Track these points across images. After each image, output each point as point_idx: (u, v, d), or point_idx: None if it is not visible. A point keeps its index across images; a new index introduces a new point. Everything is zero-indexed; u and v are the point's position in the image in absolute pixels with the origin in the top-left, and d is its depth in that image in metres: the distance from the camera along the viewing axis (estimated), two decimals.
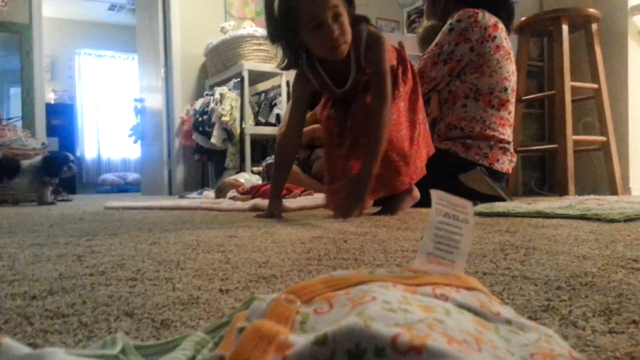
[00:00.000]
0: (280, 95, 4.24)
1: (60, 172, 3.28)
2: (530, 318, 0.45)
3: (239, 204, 2.18)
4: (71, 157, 3.38)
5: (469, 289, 0.30)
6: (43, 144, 4.32)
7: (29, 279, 0.67)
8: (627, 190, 2.92)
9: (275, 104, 4.31)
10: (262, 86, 4.69)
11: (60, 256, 0.87)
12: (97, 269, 0.73)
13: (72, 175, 3.47)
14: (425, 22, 2.35)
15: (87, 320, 0.46)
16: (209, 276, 0.65)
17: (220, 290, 0.56)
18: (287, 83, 4.12)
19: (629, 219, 1.30)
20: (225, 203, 2.33)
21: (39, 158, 3.33)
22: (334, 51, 1.44)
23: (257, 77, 4.39)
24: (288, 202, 2.04)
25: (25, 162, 3.28)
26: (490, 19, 2.00)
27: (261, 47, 4.23)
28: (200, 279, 0.64)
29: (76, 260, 0.83)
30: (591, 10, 2.82)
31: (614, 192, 2.81)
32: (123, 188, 7.77)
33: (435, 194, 0.32)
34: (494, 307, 0.28)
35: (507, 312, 0.29)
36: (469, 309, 0.27)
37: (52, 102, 7.62)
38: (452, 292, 0.28)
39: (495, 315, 0.28)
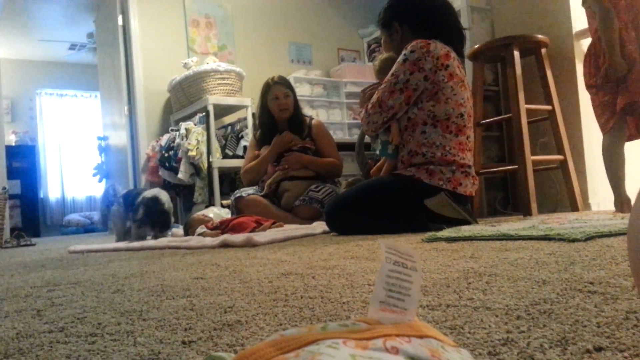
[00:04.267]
0: (246, 127, 4.25)
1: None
2: (489, 353, 0.46)
3: (208, 241, 2.16)
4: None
5: (421, 336, 0.30)
6: (3, 188, 4.19)
7: None
8: (587, 205, 3.01)
9: (242, 137, 4.32)
10: (228, 119, 4.70)
11: (19, 311, 0.85)
12: (57, 324, 0.71)
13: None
14: (382, 54, 2.42)
15: None
16: (172, 326, 0.64)
17: (183, 342, 0.55)
18: (253, 115, 4.14)
19: (589, 238, 1.34)
20: (193, 240, 2.30)
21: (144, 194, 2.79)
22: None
23: (223, 110, 4.40)
24: (258, 236, 2.03)
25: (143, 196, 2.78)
26: (442, 49, 2.08)
27: (225, 81, 4.26)
28: (163, 330, 0.62)
29: (35, 315, 0.80)
30: (540, 36, 2.95)
31: (574, 208, 2.90)
32: (90, 228, 7.56)
33: (384, 244, 0.33)
34: (445, 355, 0.29)
35: (459, 357, 0.30)
36: None
37: (13, 144, 7.44)
38: (404, 343, 0.29)
39: None
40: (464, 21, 3.41)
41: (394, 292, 0.33)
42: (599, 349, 0.45)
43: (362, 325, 0.31)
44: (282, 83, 3.17)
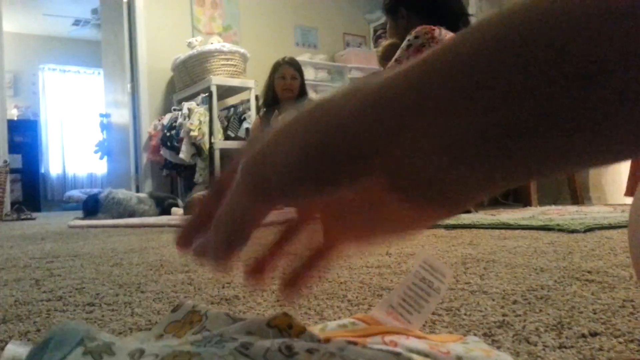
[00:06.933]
0: (249, 109, 4.23)
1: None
2: (485, 335, 0.46)
3: None
4: None
5: (419, 338, 0.31)
6: (5, 161, 4.20)
7: None
8: (587, 198, 3.01)
9: (244, 119, 4.30)
10: (231, 100, 4.67)
11: (17, 280, 0.85)
12: (55, 293, 0.71)
13: None
14: (385, 41, 2.40)
15: None
16: (170, 299, 0.64)
17: None
18: (256, 97, 4.12)
19: (588, 229, 1.34)
20: None
21: None
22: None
23: (226, 91, 4.38)
24: None
25: None
26: (446, 35, 2.06)
27: (229, 62, 4.23)
28: (161, 302, 0.63)
29: (34, 284, 0.80)
30: None
31: (575, 201, 2.90)
32: None
33: (423, 257, 0.33)
34: (444, 347, 0.29)
35: (460, 347, 0.30)
36: (418, 352, 0.28)
37: (15, 119, 7.42)
38: (402, 339, 0.29)
39: (445, 354, 0.28)
40: (472, 8, 3.38)
41: (407, 303, 0.33)
42: (594, 334, 0.45)
43: (361, 324, 0.32)
44: (292, 64, 3.17)
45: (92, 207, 3.39)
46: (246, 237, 0.23)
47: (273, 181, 0.20)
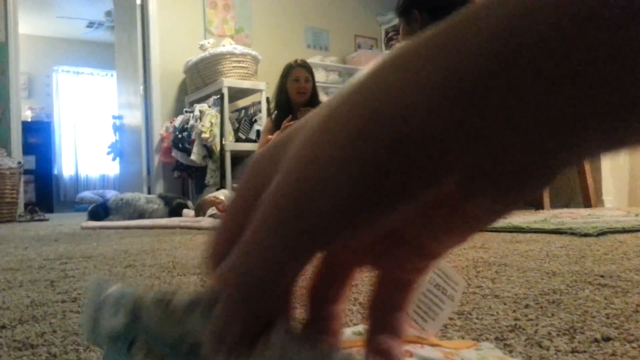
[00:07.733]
0: (260, 111, 4.25)
1: None
2: (497, 339, 0.46)
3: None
4: None
5: (432, 345, 0.31)
6: (19, 163, 4.25)
7: None
8: (600, 202, 2.98)
9: (255, 120, 4.32)
10: (242, 102, 4.69)
11: (33, 282, 0.86)
12: (70, 295, 0.72)
13: None
14: (398, 43, 2.40)
15: (56, 350, 0.46)
16: None
17: None
18: (267, 99, 4.13)
19: (601, 233, 1.33)
20: (204, 221, 2.31)
21: None
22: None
23: (237, 93, 4.40)
24: None
25: None
26: None
27: (241, 64, 4.25)
28: None
29: (49, 285, 0.82)
30: None
31: (588, 204, 2.87)
32: None
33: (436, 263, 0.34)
34: (458, 356, 0.29)
35: (475, 356, 0.30)
36: None
37: (29, 120, 7.52)
38: (417, 348, 0.29)
39: None
40: None
41: (421, 309, 0.33)
42: (607, 339, 0.45)
43: None
44: (305, 67, 3.15)
45: (99, 214, 3.42)
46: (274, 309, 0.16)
47: (315, 217, 0.14)
